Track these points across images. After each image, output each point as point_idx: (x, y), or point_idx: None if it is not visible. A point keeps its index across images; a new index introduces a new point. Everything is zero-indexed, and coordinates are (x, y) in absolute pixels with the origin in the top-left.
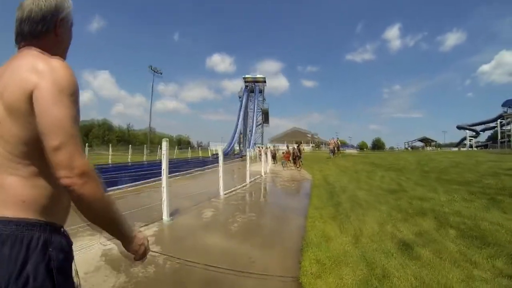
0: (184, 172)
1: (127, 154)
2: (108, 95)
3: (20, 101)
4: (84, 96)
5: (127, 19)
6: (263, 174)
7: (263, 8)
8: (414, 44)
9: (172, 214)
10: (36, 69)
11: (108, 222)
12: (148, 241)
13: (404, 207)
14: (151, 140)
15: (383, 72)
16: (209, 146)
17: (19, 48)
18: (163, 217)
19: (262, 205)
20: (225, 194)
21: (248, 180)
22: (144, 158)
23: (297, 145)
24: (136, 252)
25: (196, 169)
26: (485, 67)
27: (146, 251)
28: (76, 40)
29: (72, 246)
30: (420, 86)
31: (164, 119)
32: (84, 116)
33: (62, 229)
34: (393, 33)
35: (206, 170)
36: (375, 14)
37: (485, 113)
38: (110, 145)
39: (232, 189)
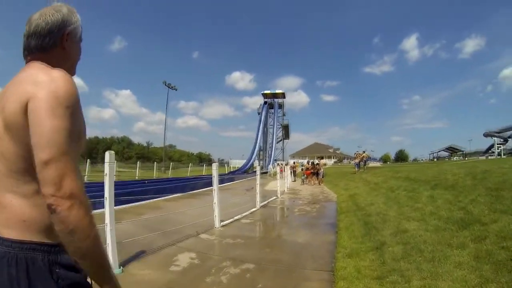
0: (189, 192)
1: (137, 170)
2: (129, 113)
3: (17, 114)
4: (106, 114)
5: (147, 40)
6: (279, 194)
7: (279, 25)
8: (433, 53)
9: (127, 260)
10: (34, 80)
11: (89, 257)
12: None
13: (499, 256)
14: (170, 156)
15: (403, 83)
16: (228, 163)
17: (26, 62)
18: None
19: (269, 246)
20: (222, 226)
21: (258, 203)
22: (154, 174)
23: (312, 161)
24: None
25: (206, 188)
26: (506, 72)
27: None
28: (97, 60)
29: None
30: (441, 96)
31: (186, 136)
32: (105, 134)
33: None
34: (410, 43)
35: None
36: (392, 25)
37: (510, 119)
38: (116, 161)
39: (235, 217)
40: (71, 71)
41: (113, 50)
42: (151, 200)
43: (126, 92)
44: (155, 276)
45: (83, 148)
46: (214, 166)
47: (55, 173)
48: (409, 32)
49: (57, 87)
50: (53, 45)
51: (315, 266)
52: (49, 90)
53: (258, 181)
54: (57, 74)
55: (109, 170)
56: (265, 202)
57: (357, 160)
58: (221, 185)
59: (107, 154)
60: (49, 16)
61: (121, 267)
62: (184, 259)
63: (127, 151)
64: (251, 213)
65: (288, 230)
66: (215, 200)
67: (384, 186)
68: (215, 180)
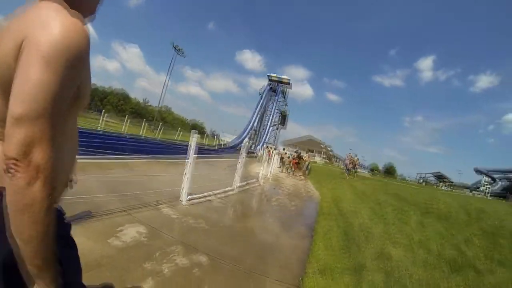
0: (174, 157)
1: (125, 125)
2: (134, 68)
3: (8, 54)
4: (110, 65)
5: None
6: (261, 179)
7: (299, 13)
8: (445, 79)
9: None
10: (39, 20)
11: (31, 245)
12: None
13: None
14: (165, 119)
15: (409, 101)
16: (218, 135)
17: None
18: None
19: (232, 239)
20: (188, 202)
21: (236, 185)
22: (142, 132)
23: (299, 152)
24: None
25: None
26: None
27: None
28: (113, 11)
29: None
30: (442, 122)
31: (185, 103)
32: (104, 83)
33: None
34: (426, 64)
35: (208, 159)
36: (412, 41)
37: (503, 162)
38: (104, 110)
39: (207, 195)
40: (91, 10)
41: (130, 5)
42: (126, 160)
43: (135, 48)
44: (90, 247)
45: (83, 108)
46: (194, 135)
47: (26, 135)
48: (428, 53)
49: (62, 33)
50: None
51: (280, 277)
52: (51, 35)
53: (242, 160)
54: (68, 19)
55: None
56: (244, 184)
57: (347, 161)
58: (203, 156)
59: None
60: None
61: None
62: (130, 233)
63: (122, 104)
64: (226, 194)
65: (259, 223)
66: (187, 172)
67: (372, 198)
68: (192, 151)
